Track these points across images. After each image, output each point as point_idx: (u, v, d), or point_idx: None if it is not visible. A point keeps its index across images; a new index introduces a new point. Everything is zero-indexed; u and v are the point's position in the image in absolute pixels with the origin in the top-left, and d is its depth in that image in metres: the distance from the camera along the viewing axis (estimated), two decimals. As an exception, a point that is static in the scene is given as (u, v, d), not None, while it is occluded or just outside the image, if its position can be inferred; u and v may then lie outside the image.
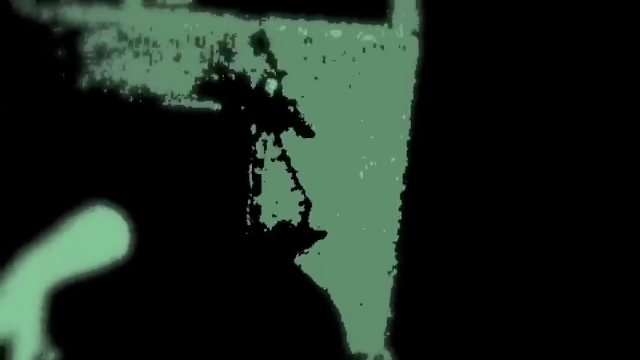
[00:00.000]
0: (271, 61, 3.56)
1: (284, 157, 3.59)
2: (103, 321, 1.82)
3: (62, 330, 1.70)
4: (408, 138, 3.70)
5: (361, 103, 3.67)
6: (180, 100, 3.58)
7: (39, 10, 3.53)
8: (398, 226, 3.75)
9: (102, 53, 3.61)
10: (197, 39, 3.63)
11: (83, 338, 1.79)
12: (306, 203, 3.58)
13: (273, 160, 3.59)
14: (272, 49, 3.57)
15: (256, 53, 3.57)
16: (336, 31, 3.66)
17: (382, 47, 3.66)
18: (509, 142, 3.59)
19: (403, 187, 3.70)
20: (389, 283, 3.78)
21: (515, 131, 3.58)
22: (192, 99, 3.59)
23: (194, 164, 3.49)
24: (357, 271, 3.78)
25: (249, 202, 3.57)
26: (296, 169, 3.61)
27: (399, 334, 3.77)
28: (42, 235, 1.68)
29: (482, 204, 3.62)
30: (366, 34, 3.65)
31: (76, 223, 1.76)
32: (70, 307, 1.74)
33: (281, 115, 3.57)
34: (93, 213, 1.81)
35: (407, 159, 3.70)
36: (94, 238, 1.78)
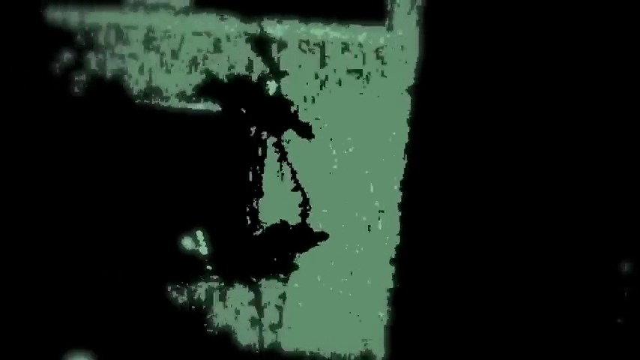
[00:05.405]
0: (271, 62, 3.57)
1: (284, 157, 3.61)
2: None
3: None
4: (408, 136, 3.71)
5: (361, 102, 3.68)
6: (180, 102, 3.59)
7: (47, 12, 3.55)
8: (398, 222, 3.76)
9: (103, 54, 3.63)
10: (197, 40, 3.65)
11: None
12: (306, 204, 3.59)
13: (263, 157, 3.61)
14: (271, 50, 3.58)
15: (256, 54, 3.59)
16: (336, 32, 3.67)
17: (382, 47, 3.67)
18: (509, 140, 3.60)
19: (401, 184, 3.72)
20: (388, 283, 3.79)
21: (516, 130, 3.59)
22: (192, 100, 3.60)
23: (194, 165, 3.51)
24: (357, 270, 3.79)
25: (249, 202, 3.58)
26: (296, 169, 3.63)
27: (398, 333, 3.78)
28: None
29: (479, 199, 3.63)
30: (366, 34, 3.66)
31: None
32: None
33: (281, 116, 3.58)
34: None
35: (405, 156, 3.71)
36: None
